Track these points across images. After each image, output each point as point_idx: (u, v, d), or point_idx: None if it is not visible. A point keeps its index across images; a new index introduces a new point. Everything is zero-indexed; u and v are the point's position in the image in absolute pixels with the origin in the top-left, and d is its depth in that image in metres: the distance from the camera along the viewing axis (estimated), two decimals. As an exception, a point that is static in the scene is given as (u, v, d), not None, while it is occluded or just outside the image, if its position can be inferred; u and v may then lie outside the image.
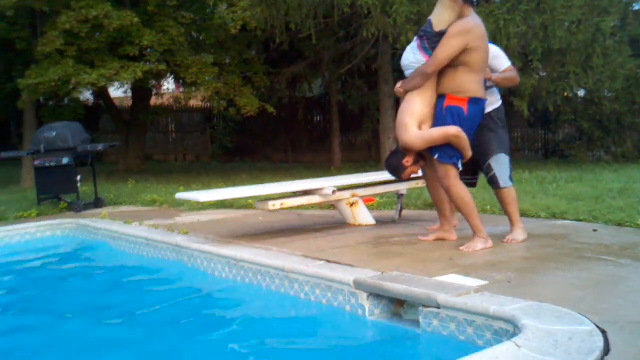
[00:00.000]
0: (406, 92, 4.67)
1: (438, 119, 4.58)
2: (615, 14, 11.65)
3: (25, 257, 6.74)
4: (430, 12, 4.95)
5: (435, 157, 4.58)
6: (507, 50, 11.00)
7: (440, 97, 4.61)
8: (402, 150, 4.77)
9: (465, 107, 4.52)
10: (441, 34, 4.49)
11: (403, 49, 5.08)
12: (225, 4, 12.88)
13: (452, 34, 4.47)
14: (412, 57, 4.62)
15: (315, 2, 11.26)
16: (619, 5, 11.76)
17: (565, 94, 12.99)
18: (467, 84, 4.53)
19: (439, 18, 4.51)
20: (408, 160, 4.76)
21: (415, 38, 4.68)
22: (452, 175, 4.60)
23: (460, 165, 4.62)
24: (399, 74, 14.82)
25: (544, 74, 12.47)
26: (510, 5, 11.02)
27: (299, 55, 15.51)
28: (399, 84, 4.77)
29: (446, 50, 4.46)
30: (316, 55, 14.81)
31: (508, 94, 12.22)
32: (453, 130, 4.47)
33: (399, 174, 4.91)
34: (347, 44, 13.94)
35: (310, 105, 20.04)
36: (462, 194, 4.63)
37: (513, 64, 5.11)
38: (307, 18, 11.75)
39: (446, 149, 4.54)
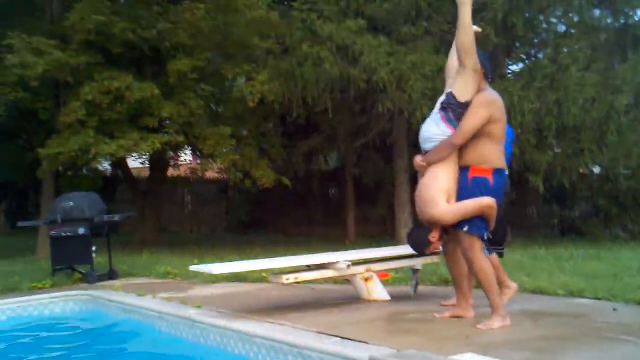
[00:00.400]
0: (429, 165, 4.65)
1: (464, 190, 4.57)
2: (628, 92, 11.77)
3: (38, 329, 6.68)
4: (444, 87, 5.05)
5: (465, 229, 4.53)
6: (521, 126, 11.17)
7: (464, 169, 4.62)
8: (428, 226, 4.69)
9: (490, 178, 4.57)
10: (466, 106, 4.54)
11: (418, 124, 5.15)
12: (243, 77, 13.15)
13: (478, 105, 4.54)
14: (436, 129, 4.62)
15: (332, 77, 11.48)
16: (632, 83, 11.88)
17: (581, 170, 12.99)
18: (491, 155, 4.59)
19: (462, 90, 4.56)
20: (434, 236, 4.70)
21: (437, 111, 4.67)
22: (477, 248, 4.57)
23: (485, 237, 4.61)
24: (414, 148, 14.99)
25: (559, 150, 12.52)
26: (524, 82, 11.20)
27: (315, 128, 15.70)
28: (419, 158, 4.74)
29: (473, 121, 4.52)
30: (332, 129, 14.99)
31: (524, 169, 12.26)
32: (487, 200, 4.49)
33: (424, 250, 4.84)
34: (363, 118, 14.13)
35: (325, 179, 20.14)
36: (486, 267, 4.59)
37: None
38: (324, 93, 11.98)
39: (476, 221, 4.52)
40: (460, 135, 4.54)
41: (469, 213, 4.50)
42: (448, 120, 4.58)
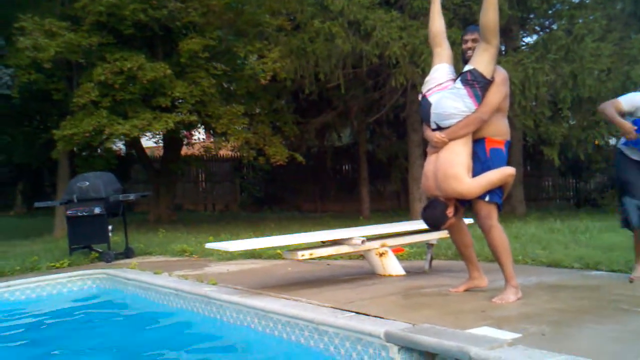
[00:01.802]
0: (451, 140, 4.64)
1: (483, 162, 4.63)
2: (645, 62, 11.60)
3: (56, 306, 6.78)
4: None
5: (486, 199, 4.58)
6: (536, 98, 11.07)
7: (479, 140, 4.66)
8: (444, 201, 4.70)
9: (504, 149, 4.70)
10: (491, 82, 4.60)
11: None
12: (255, 55, 13.11)
13: (501, 82, 4.64)
14: (462, 105, 4.59)
15: (344, 52, 11.41)
16: (649, 53, 11.70)
17: (596, 142, 12.89)
18: (504, 127, 4.73)
19: (488, 67, 4.57)
20: (451, 211, 4.72)
21: (460, 86, 4.61)
22: (495, 215, 4.64)
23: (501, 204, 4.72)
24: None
25: (574, 122, 12.41)
26: (538, 53, 11.06)
27: (328, 104, 15.67)
28: (441, 134, 4.67)
29: (499, 96, 4.63)
30: (345, 104, 14.94)
31: (538, 142, 12.18)
32: (509, 170, 4.65)
33: (440, 225, 4.84)
34: (376, 93, 14.06)
35: (338, 155, 20.15)
36: (503, 234, 4.65)
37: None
38: (336, 68, 11.92)
39: (496, 189, 4.62)
40: (489, 111, 4.61)
41: (494, 184, 4.59)
42: (475, 96, 4.58)
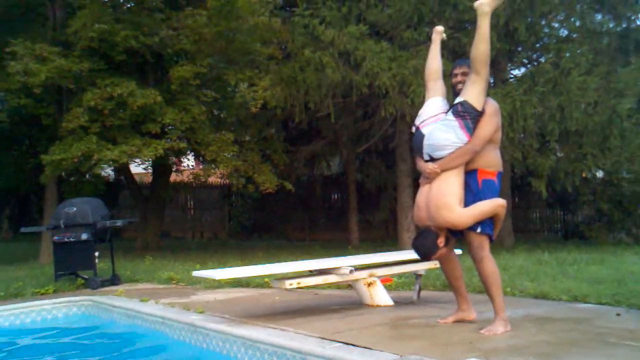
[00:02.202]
0: (443, 171, 4.68)
1: (475, 193, 4.67)
2: (631, 96, 11.73)
3: (40, 333, 6.69)
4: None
5: (478, 230, 4.61)
6: (524, 130, 11.16)
7: (471, 172, 4.71)
8: (435, 230, 4.71)
9: (496, 180, 4.76)
10: (482, 113, 4.66)
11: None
12: (246, 83, 13.19)
13: (492, 113, 4.71)
14: (453, 136, 4.64)
15: (334, 82, 11.48)
16: (634, 87, 11.84)
17: (584, 174, 12.97)
18: (496, 158, 4.79)
19: (478, 98, 4.64)
20: (442, 241, 4.74)
21: (451, 118, 4.67)
22: (487, 247, 4.66)
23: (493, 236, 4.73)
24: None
25: (562, 154, 12.50)
26: (526, 86, 11.18)
27: (318, 133, 15.72)
28: (433, 165, 4.72)
29: (490, 128, 4.69)
30: (334, 133, 15.00)
31: (526, 174, 12.26)
32: (500, 201, 4.67)
33: (431, 255, 4.84)
34: (365, 123, 14.13)
35: (327, 183, 20.17)
36: (494, 266, 4.68)
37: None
38: (326, 97, 11.98)
39: (487, 221, 4.64)
40: (481, 142, 4.67)
41: (486, 214, 4.62)
42: (466, 127, 4.64)
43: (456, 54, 11.04)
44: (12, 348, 6.16)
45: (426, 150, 4.77)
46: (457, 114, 4.67)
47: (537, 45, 13.12)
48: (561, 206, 16.81)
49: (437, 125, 4.76)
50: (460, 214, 4.59)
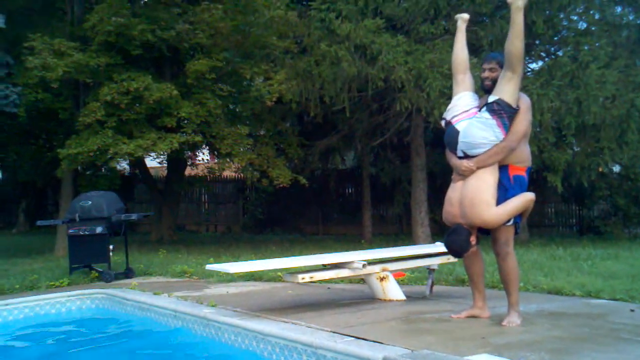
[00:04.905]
0: (479, 168, 4.67)
1: (507, 189, 4.67)
2: (650, 90, 11.59)
3: (54, 326, 6.74)
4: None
5: (509, 223, 4.64)
6: (540, 124, 11.07)
7: (502, 167, 4.71)
8: (467, 228, 4.70)
9: (525, 175, 4.77)
10: (517, 110, 4.65)
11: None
12: (261, 77, 13.18)
13: (526, 109, 4.73)
14: (491, 134, 4.62)
15: (350, 76, 11.44)
16: (654, 81, 11.70)
17: (600, 169, 12.85)
18: (526, 153, 4.80)
19: (513, 96, 4.62)
20: (474, 239, 4.75)
21: (488, 116, 4.63)
22: (512, 242, 4.73)
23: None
24: (431, 147, 14.93)
25: (578, 149, 12.39)
26: (543, 80, 11.07)
27: (333, 127, 15.67)
28: (469, 162, 4.69)
29: (525, 124, 4.72)
30: (349, 127, 14.94)
31: (542, 168, 12.16)
32: (530, 195, 4.71)
33: (464, 252, 4.80)
34: (380, 117, 14.06)
35: (342, 178, 20.12)
36: (516, 264, 4.75)
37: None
38: (341, 91, 11.95)
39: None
40: (517, 139, 4.67)
41: (519, 210, 4.66)
42: (504, 125, 4.62)
43: (473, 46, 10.94)
44: (26, 341, 6.22)
45: (461, 147, 4.74)
46: (493, 112, 4.62)
47: (555, 38, 12.98)
48: (576, 201, 16.64)
49: (472, 122, 4.71)
50: (496, 213, 4.60)
